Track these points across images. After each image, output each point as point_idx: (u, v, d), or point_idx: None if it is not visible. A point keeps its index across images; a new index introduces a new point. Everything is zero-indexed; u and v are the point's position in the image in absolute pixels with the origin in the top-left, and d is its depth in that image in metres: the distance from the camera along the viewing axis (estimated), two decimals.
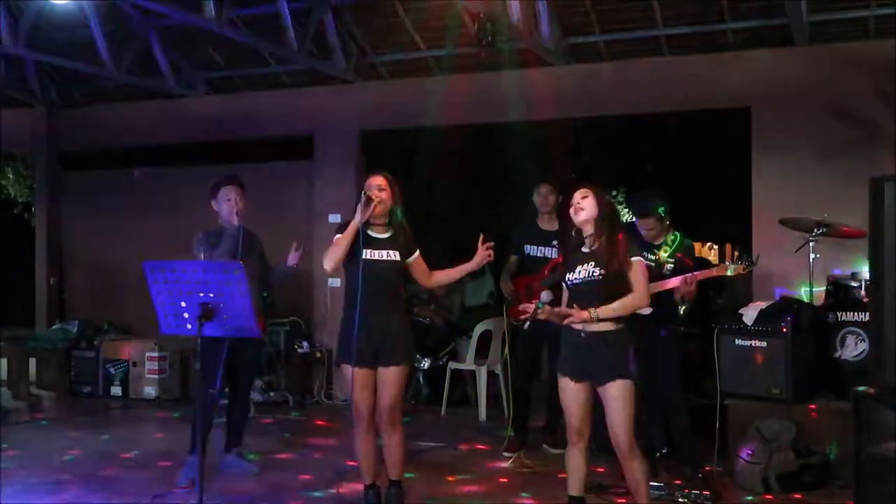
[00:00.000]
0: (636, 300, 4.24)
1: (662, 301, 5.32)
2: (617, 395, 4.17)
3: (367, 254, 4.58)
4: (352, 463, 5.58)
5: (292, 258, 5.95)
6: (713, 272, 5.31)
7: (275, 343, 8.39)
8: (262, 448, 6.48)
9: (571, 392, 4.30)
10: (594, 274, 4.23)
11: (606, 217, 4.32)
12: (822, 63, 7.11)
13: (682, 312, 5.50)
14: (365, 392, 4.64)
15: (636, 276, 4.24)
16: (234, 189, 5.72)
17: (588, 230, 4.33)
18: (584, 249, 4.36)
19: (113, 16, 8.38)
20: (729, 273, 5.27)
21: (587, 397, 4.29)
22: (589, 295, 4.21)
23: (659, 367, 5.47)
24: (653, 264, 5.45)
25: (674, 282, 5.30)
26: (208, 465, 5.48)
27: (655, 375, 5.47)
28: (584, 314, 4.15)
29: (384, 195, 4.62)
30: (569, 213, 4.40)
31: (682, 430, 5.51)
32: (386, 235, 4.68)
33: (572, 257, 4.39)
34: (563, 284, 4.44)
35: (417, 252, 4.77)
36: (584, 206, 4.31)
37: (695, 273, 5.25)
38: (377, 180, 4.66)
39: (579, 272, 4.29)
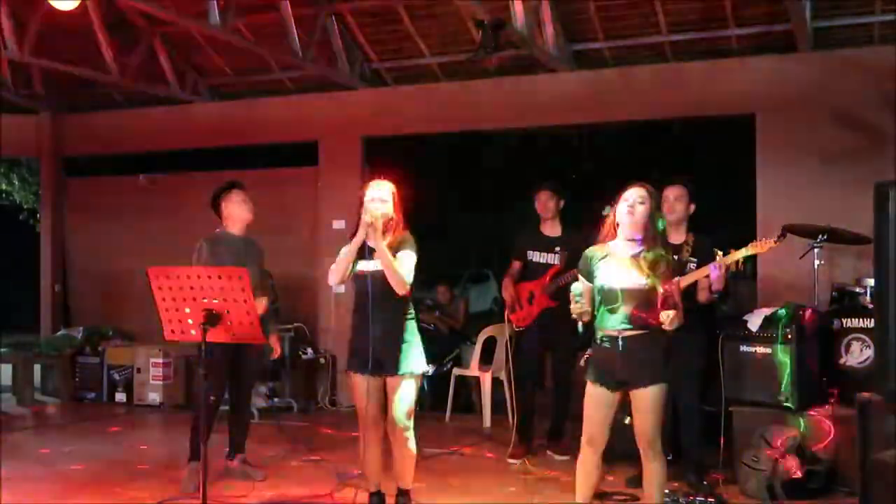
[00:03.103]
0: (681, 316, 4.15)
1: (686, 306, 5.30)
2: (653, 398, 4.13)
3: (366, 265, 4.56)
4: (356, 470, 5.59)
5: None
6: (746, 251, 5.23)
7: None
8: (265, 454, 6.47)
9: (603, 401, 4.20)
10: (641, 283, 4.09)
11: (657, 225, 4.21)
12: (827, 69, 7.10)
13: (724, 308, 5.52)
14: (370, 400, 4.62)
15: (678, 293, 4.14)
16: (236, 194, 5.76)
17: (632, 234, 4.19)
18: (619, 251, 4.19)
19: (118, 22, 8.42)
20: (761, 250, 5.22)
21: (616, 406, 4.24)
22: (629, 302, 4.10)
23: (680, 372, 5.44)
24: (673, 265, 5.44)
25: (705, 270, 5.22)
26: (214, 472, 5.51)
27: (674, 381, 5.45)
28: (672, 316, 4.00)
29: (386, 207, 4.57)
30: (613, 212, 4.22)
31: (695, 437, 5.50)
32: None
33: (603, 257, 4.21)
34: (584, 282, 4.25)
35: (402, 252, 4.55)
36: (640, 212, 4.15)
37: (725, 259, 5.17)
38: (379, 193, 4.60)
39: (621, 276, 4.12)
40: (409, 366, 4.60)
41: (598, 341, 4.22)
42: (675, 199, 5.47)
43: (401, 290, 4.51)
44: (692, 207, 5.54)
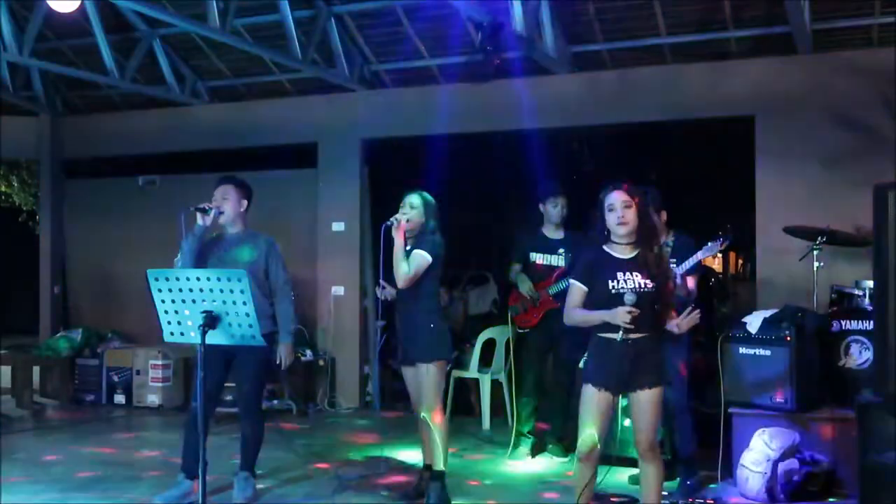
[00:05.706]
0: (695, 310, 4.25)
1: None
2: (653, 399, 4.16)
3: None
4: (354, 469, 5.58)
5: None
6: (697, 257, 5.25)
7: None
8: (264, 457, 6.44)
9: (602, 403, 4.17)
10: (646, 285, 4.10)
11: (650, 225, 4.28)
12: (826, 71, 7.10)
13: (723, 310, 5.50)
14: (412, 388, 5.23)
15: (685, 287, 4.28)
16: (218, 190, 5.45)
17: (629, 239, 4.20)
18: (618, 255, 4.19)
19: (118, 24, 8.42)
20: (710, 254, 5.24)
21: (613, 408, 4.27)
22: (636, 305, 4.06)
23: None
24: None
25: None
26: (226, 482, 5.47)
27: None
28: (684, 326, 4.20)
29: (409, 214, 5.11)
30: (597, 217, 4.22)
31: (685, 438, 5.50)
32: (410, 247, 5.10)
33: (605, 262, 4.19)
34: (594, 289, 4.19)
35: (414, 251, 5.06)
36: (629, 219, 4.15)
37: (679, 271, 5.18)
38: (406, 200, 5.18)
39: (625, 280, 4.10)
40: (422, 354, 5.05)
41: (602, 344, 4.18)
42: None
43: (399, 283, 5.04)
44: (664, 215, 5.51)
